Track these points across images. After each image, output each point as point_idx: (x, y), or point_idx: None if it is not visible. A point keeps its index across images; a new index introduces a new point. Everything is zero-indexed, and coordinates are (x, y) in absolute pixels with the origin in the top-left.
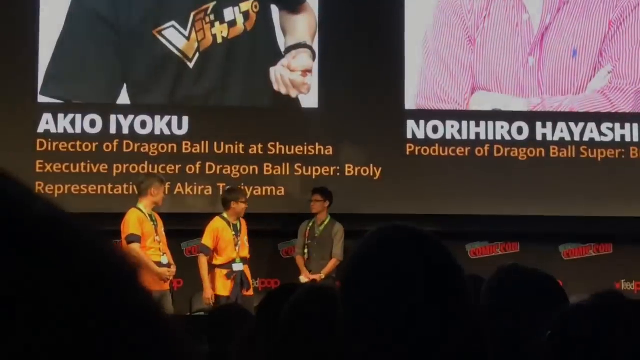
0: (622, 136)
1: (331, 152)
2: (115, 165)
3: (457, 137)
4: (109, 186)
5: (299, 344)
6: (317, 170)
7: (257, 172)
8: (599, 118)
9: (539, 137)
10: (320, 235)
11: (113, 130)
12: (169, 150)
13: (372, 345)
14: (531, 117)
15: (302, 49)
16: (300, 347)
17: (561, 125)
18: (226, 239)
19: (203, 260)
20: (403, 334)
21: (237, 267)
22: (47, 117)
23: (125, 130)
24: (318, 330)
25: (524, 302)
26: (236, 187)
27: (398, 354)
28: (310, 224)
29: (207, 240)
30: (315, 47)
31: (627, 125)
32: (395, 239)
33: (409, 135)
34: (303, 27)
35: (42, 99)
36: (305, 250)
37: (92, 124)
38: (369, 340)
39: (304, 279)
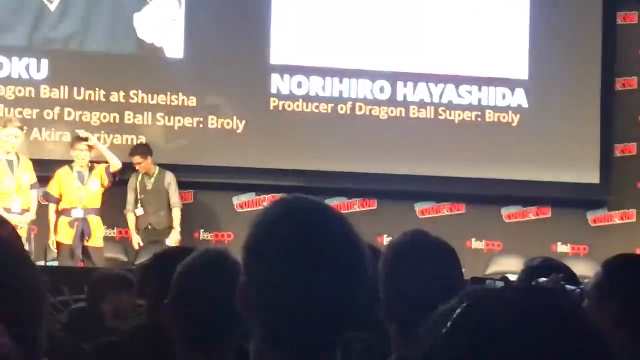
0: (479, 99)
1: (194, 103)
2: None
3: (321, 93)
4: None
5: (188, 308)
6: (179, 121)
7: (117, 120)
8: (458, 81)
9: (399, 97)
10: (153, 187)
11: None
12: (27, 94)
13: (275, 314)
14: (394, 77)
15: None
16: (189, 309)
17: (422, 86)
18: (67, 186)
19: (50, 208)
20: (303, 304)
21: (77, 213)
22: None
23: None
24: (212, 297)
25: (421, 271)
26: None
27: (299, 323)
28: (140, 178)
29: (50, 187)
30: None
31: (484, 88)
32: (299, 210)
33: (274, 90)
34: None
35: None
36: (139, 205)
37: None
38: (273, 310)
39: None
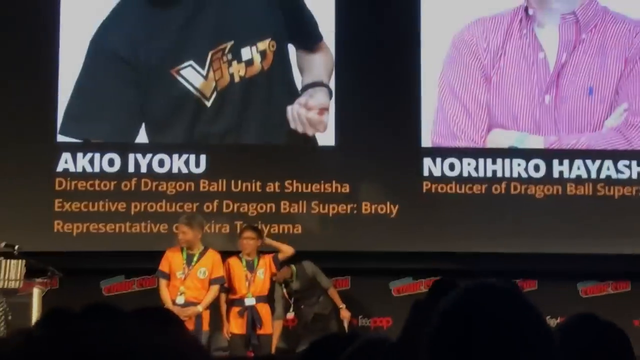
0: (639, 174)
1: (348, 190)
2: (133, 204)
3: (474, 174)
4: (127, 224)
5: None
6: (333, 208)
7: (274, 209)
8: (615, 156)
9: (555, 175)
10: (301, 285)
11: (131, 168)
12: (187, 189)
13: None
14: (548, 155)
15: (319, 87)
16: None
17: (578, 162)
18: (238, 276)
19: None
20: None
21: (248, 302)
22: (65, 156)
23: (144, 169)
24: None
25: (593, 356)
26: (248, 224)
27: None
28: (282, 286)
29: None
30: (332, 85)
31: None
32: (486, 298)
33: (426, 173)
34: (320, 65)
35: (60, 138)
36: (291, 310)
37: (111, 162)
38: None
39: None
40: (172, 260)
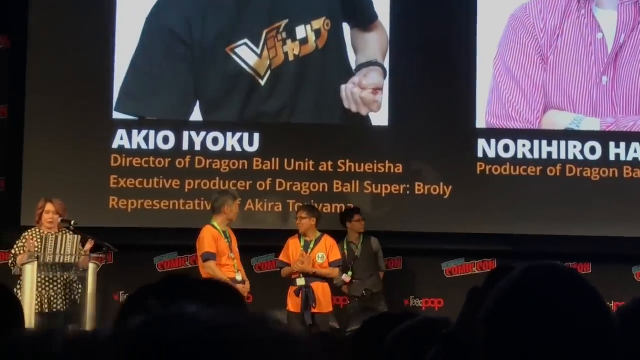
0: None
1: (401, 170)
2: (187, 181)
3: (529, 156)
4: (181, 202)
5: None
6: (386, 188)
7: (327, 189)
8: None
9: (612, 157)
10: (362, 253)
11: (185, 146)
12: (240, 167)
13: None
14: (604, 137)
15: (374, 66)
16: None
17: (635, 145)
18: (294, 255)
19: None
20: None
21: (301, 281)
22: (121, 133)
23: (198, 147)
24: None
25: None
26: (304, 204)
27: None
28: (345, 246)
29: (282, 256)
30: (387, 65)
31: None
32: (545, 278)
33: (480, 154)
34: (374, 45)
35: (116, 115)
36: (349, 272)
37: (165, 140)
38: None
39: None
40: (219, 241)
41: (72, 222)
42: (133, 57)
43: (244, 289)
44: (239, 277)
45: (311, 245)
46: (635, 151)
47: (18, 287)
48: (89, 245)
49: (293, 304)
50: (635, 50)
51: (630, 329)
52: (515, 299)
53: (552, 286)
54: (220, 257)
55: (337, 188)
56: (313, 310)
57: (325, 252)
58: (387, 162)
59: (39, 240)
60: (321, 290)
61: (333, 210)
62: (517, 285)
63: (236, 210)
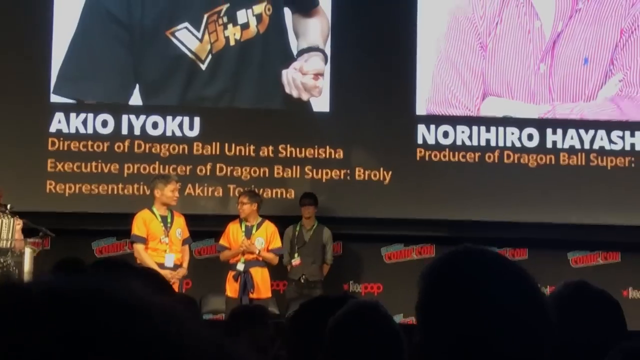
0: (632, 144)
1: (341, 156)
2: (126, 165)
3: (467, 142)
4: (120, 186)
5: None
6: (327, 174)
7: (267, 174)
8: (609, 126)
9: (549, 144)
10: (311, 239)
11: (125, 130)
12: (180, 151)
13: None
14: (541, 124)
15: (315, 52)
16: None
17: (571, 132)
18: (234, 240)
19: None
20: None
21: (240, 267)
22: (59, 116)
23: (137, 131)
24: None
25: (586, 325)
26: (245, 189)
27: None
28: (298, 229)
29: (222, 240)
30: (328, 50)
31: (637, 134)
32: (474, 264)
33: (420, 140)
34: (315, 30)
35: (54, 98)
36: (296, 255)
37: (104, 124)
38: None
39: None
40: (150, 224)
41: (8, 206)
42: (72, 38)
43: (173, 274)
44: (168, 263)
45: (253, 231)
46: (572, 138)
47: None
48: (18, 226)
49: (231, 289)
50: (573, 38)
51: (566, 313)
52: (435, 289)
53: (474, 266)
54: (149, 240)
55: (278, 173)
56: (251, 296)
57: (265, 238)
58: (327, 147)
59: None
60: (260, 276)
61: (273, 195)
62: (437, 273)
63: (169, 194)
